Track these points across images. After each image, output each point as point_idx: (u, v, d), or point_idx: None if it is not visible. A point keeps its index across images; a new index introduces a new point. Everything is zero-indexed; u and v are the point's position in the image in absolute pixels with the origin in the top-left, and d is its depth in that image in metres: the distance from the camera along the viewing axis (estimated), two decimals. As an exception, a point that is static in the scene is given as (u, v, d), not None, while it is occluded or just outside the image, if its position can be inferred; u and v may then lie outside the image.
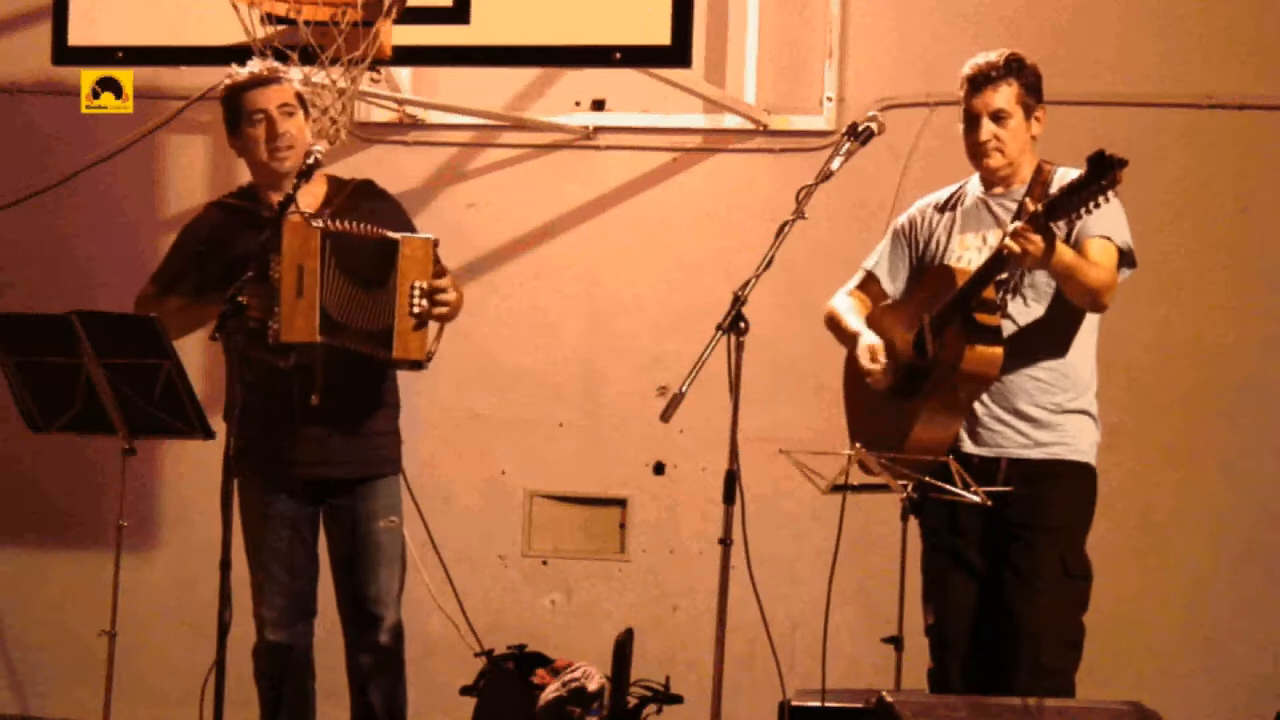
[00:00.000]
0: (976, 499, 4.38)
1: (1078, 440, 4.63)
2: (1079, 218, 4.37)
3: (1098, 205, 4.24)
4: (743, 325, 4.38)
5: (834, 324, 4.88)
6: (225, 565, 4.57)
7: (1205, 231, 5.90)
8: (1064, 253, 4.38)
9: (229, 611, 4.55)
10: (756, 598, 4.64)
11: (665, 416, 4.35)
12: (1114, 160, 4.18)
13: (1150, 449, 5.84)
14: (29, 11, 6.47)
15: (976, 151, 4.65)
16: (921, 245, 4.79)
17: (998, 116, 4.59)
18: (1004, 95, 4.59)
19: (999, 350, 4.48)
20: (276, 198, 4.86)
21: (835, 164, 4.58)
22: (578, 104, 6.35)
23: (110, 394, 4.95)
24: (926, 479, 4.44)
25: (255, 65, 4.92)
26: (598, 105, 6.34)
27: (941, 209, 4.79)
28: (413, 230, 4.94)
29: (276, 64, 4.95)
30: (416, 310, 4.74)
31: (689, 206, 6.30)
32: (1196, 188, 5.90)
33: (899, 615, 4.51)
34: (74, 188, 6.57)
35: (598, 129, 6.32)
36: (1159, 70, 5.92)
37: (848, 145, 4.63)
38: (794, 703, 4.64)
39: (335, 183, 5.04)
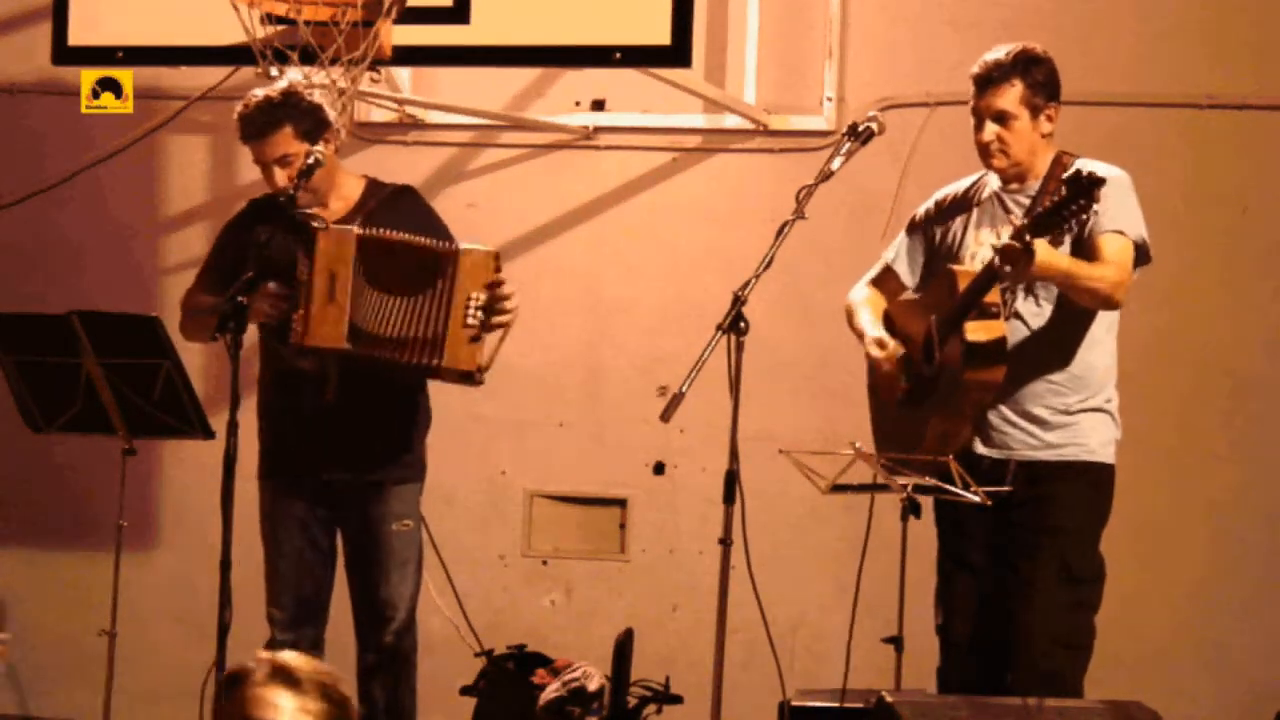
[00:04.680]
0: (976, 499, 4.38)
1: (1089, 439, 4.59)
2: (1066, 231, 4.36)
3: (1080, 222, 4.24)
4: (743, 325, 4.38)
5: (849, 318, 4.87)
6: (225, 565, 4.57)
7: (1205, 231, 5.89)
8: (1055, 263, 4.34)
9: (229, 611, 4.55)
10: (756, 598, 4.64)
11: (665, 416, 4.35)
12: (1091, 180, 4.17)
13: (1150, 449, 5.83)
14: (29, 11, 6.47)
15: (981, 153, 4.63)
16: (938, 238, 4.76)
17: (1000, 118, 4.55)
18: (1007, 96, 4.54)
19: (999, 369, 4.47)
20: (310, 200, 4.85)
21: (835, 164, 4.58)
22: (578, 104, 6.35)
23: (110, 394, 4.96)
24: (928, 479, 4.43)
25: (260, 92, 4.82)
26: (598, 105, 6.33)
27: (959, 202, 4.75)
28: (444, 236, 4.91)
29: (276, 94, 4.81)
30: (470, 322, 4.72)
31: (689, 206, 6.30)
32: (1196, 188, 5.90)
33: (899, 615, 4.50)
34: (74, 188, 6.57)
35: (598, 129, 6.32)
36: (1159, 70, 5.92)
37: (848, 145, 4.63)
38: (794, 703, 4.64)
39: (373, 185, 5.02)
